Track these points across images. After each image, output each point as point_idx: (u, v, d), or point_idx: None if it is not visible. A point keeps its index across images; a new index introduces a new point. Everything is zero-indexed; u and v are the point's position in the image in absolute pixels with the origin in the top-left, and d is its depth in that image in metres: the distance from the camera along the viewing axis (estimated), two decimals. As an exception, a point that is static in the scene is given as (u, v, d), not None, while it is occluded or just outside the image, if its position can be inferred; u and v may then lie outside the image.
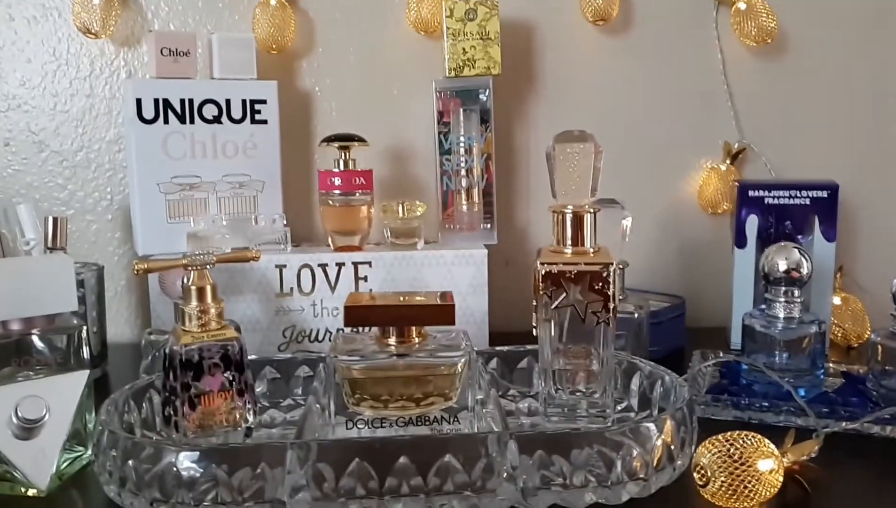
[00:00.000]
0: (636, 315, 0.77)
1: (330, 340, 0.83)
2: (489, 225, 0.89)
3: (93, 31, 0.89)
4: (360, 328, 0.69)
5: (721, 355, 0.77)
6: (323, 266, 0.83)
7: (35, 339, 0.66)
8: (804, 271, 0.71)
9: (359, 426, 0.61)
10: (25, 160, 0.94)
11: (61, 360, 0.68)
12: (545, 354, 0.63)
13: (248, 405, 0.62)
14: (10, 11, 0.91)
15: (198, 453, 0.50)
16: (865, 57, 0.98)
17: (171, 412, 0.59)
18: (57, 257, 0.68)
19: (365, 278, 0.83)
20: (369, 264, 0.83)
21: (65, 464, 0.58)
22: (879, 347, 0.69)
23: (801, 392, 0.68)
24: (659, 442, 0.53)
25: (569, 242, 0.62)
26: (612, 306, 0.60)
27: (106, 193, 0.95)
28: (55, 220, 0.78)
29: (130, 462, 0.51)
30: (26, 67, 0.92)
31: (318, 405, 0.62)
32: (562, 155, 0.61)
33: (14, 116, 0.93)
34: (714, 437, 0.54)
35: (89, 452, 0.60)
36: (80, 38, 0.92)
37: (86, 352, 0.69)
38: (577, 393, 0.63)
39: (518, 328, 0.80)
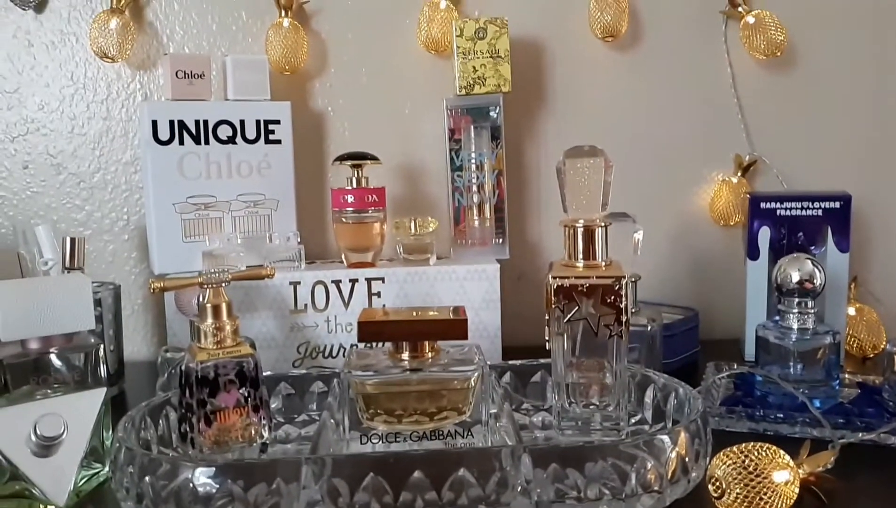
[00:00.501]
0: (649, 328, 0.77)
1: (344, 356, 0.83)
2: (501, 240, 0.89)
3: (109, 55, 0.91)
4: (374, 344, 0.69)
5: (735, 366, 0.77)
6: (336, 283, 0.83)
7: (53, 358, 0.67)
8: (817, 281, 0.71)
9: (373, 440, 0.61)
10: (44, 182, 0.95)
11: (79, 378, 0.69)
12: (558, 367, 0.63)
13: (264, 421, 0.62)
14: (30, 38, 0.93)
15: (214, 469, 0.51)
16: (875, 68, 0.98)
17: (188, 429, 0.60)
18: (74, 276, 0.69)
19: (378, 294, 0.84)
20: (382, 280, 0.84)
21: (82, 481, 0.59)
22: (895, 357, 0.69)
23: (816, 403, 0.67)
24: (673, 455, 0.53)
25: (580, 256, 0.62)
26: (624, 319, 0.61)
27: (122, 213, 0.96)
28: (73, 240, 0.79)
29: (147, 478, 0.51)
30: (45, 92, 0.94)
31: (332, 421, 0.63)
32: (572, 170, 0.62)
33: (33, 139, 0.95)
34: (729, 449, 0.53)
35: (106, 469, 0.60)
36: (97, 63, 0.94)
37: (103, 370, 0.70)
38: (591, 406, 0.63)
39: (531, 342, 0.80)
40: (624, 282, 0.60)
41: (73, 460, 0.58)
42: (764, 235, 0.86)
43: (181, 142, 0.85)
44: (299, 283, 0.83)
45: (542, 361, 0.71)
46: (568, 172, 0.62)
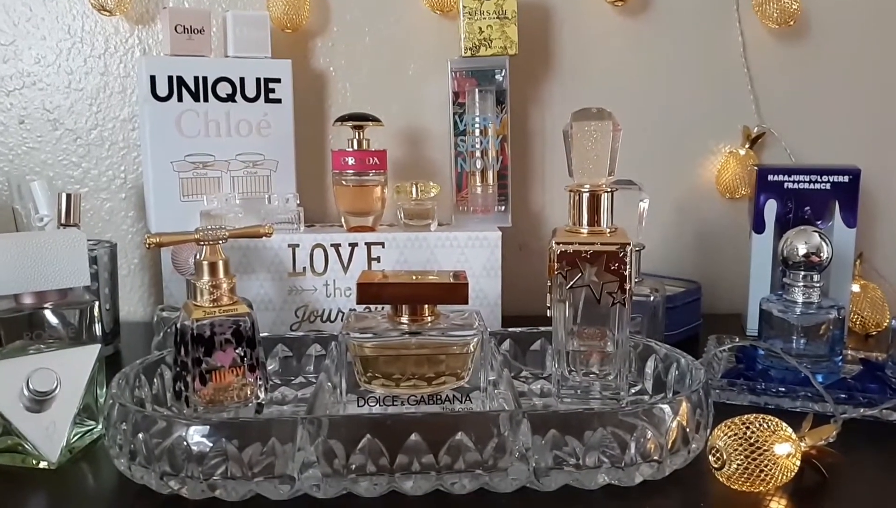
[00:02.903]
0: (652, 298, 0.76)
1: (342, 320, 0.82)
2: (503, 208, 0.88)
3: (107, 8, 0.89)
4: (373, 307, 0.68)
5: (737, 340, 0.76)
6: (336, 246, 0.82)
7: (48, 313, 0.67)
8: (824, 255, 0.70)
9: (370, 403, 0.60)
10: (40, 138, 0.94)
11: (73, 335, 0.68)
12: (559, 335, 0.62)
13: (260, 382, 0.61)
14: (26, -12, 0.91)
15: (208, 427, 0.50)
16: (888, 41, 0.96)
17: (182, 387, 0.59)
18: (70, 232, 0.68)
19: (378, 259, 0.82)
20: (382, 244, 0.82)
21: (75, 438, 0.58)
22: (900, 333, 0.68)
23: (819, 378, 0.67)
24: (674, 424, 0.52)
25: (585, 222, 0.61)
26: (627, 287, 0.60)
27: (120, 171, 0.95)
28: (69, 196, 0.78)
29: (140, 435, 0.50)
30: (41, 45, 0.92)
31: (329, 383, 0.62)
32: (580, 133, 0.60)
33: (29, 93, 0.93)
34: (730, 420, 0.53)
35: (100, 426, 0.60)
36: (94, 16, 0.92)
37: (98, 328, 0.69)
38: (591, 375, 0.62)
39: (531, 312, 0.79)
40: (628, 249, 0.59)
41: (66, 416, 0.57)
42: (770, 208, 0.85)
43: (180, 99, 0.83)
44: (298, 245, 0.82)
45: (542, 329, 0.70)
46: (575, 136, 0.60)
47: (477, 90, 0.86)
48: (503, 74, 0.86)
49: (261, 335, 0.63)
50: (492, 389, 0.62)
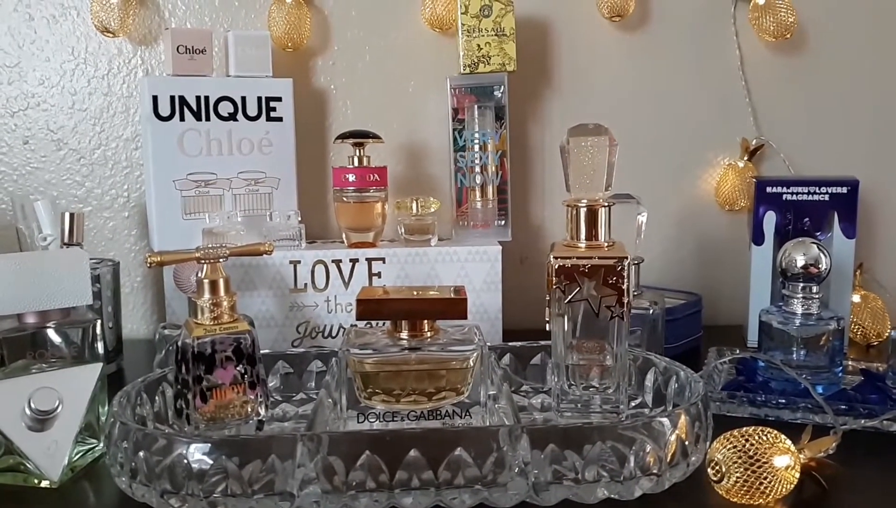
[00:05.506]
0: (651, 311, 0.76)
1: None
2: (503, 222, 0.88)
3: (111, 29, 0.90)
4: (373, 323, 0.68)
5: (738, 352, 0.76)
6: (337, 262, 0.83)
7: (50, 332, 0.67)
8: (822, 266, 0.70)
9: (370, 419, 0.60)
10: (44, 158, 0.95)
11: (76, 354, 0.68)
12: (558, 349, 0.62)
13: (260, 399, 0.61)
14: (30, 11, 0.92)
15: (208, 445, 0.50)
16: (886, 52, 0.96)
17: (183, 405, 0.59)
18: (72, 251, 0.68)
19: (378, 275, 0.83)
20: (383, 260, 0.83)
21: (77, 456, 0.58)
22: (900, 344, 0.68)
23: (819, 389, 0.67)
24: (673, 438, 0.52)
25: (583, 236, 0.62)
26: (626, 300, 0.60)
27: (123, 190, 0.96)
28: (72, 216, 0.79)
29: (141, 453, 0.51)
30: (45, 66, 0.93)
31: (329, 400, 0.62)
32: (576, 148, 0.61)
33: (33, 114, 0.94)
34: (729, 432, 0.53)
35: (101, 445, 0.60)
36: (98, 37, 0.93)
37: (100, 346, 0.70)
38: (591, 389, 0.63)
39: (533, 326, 0.79)
40: (626, 263, 0.60)
41: (68, 435, 0.57)
42: (769, 220, 0.85)
43: (182, 118, 0.84)
44: (299, 262, 0.82)
45: (542, 343, 0.70)
46: (572, 151, 0.61)
47: (476, 106, 0.87)
48: (502, 91, 0.87)
49: (262, 351, 0.63)
50: (492, 404, 0.62)
